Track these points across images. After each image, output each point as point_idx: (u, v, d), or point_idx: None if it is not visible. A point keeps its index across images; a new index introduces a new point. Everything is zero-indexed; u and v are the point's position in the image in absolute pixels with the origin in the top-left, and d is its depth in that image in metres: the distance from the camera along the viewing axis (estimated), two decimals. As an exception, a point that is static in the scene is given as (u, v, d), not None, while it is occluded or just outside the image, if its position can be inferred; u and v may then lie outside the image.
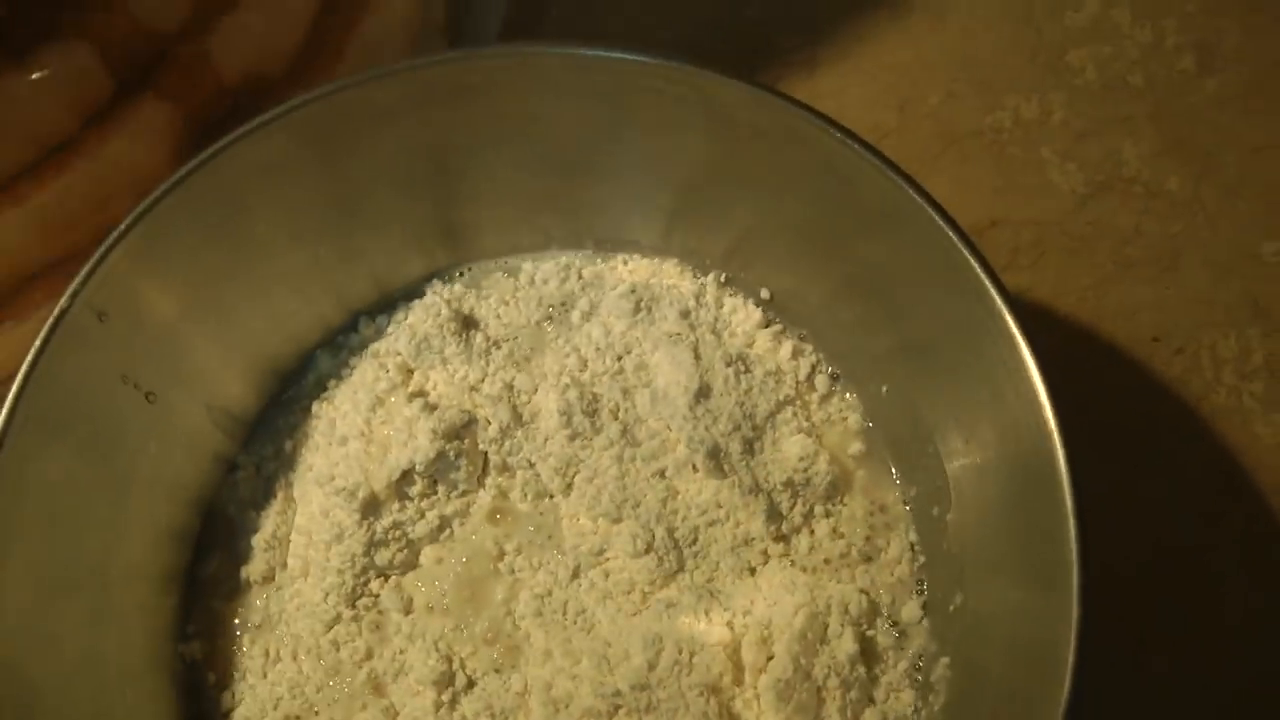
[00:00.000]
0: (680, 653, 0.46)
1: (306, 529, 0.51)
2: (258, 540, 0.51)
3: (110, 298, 0.45)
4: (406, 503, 0.50)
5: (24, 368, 0.43)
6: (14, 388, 0.43)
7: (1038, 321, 0.56)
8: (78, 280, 0.44)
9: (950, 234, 0.43)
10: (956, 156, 0.61)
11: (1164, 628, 0.52)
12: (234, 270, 0.49)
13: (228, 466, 0.53)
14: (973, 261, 0.42)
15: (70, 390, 0.45)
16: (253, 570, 0.51)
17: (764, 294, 0.54)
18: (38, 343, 0.43)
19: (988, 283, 0.42)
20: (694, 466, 0.50)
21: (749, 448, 0.50)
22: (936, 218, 0.43)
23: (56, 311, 0.44)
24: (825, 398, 0.53)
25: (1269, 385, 0.57)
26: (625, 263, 0.55)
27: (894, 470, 0.52)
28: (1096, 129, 0.62)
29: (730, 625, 0.48)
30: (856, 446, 0.52)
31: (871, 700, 0.47)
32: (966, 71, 0.63)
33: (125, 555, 0.48)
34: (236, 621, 0.51)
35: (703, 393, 0.50)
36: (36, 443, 0.44)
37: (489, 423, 0.51)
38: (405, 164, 0.50)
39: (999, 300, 0.42)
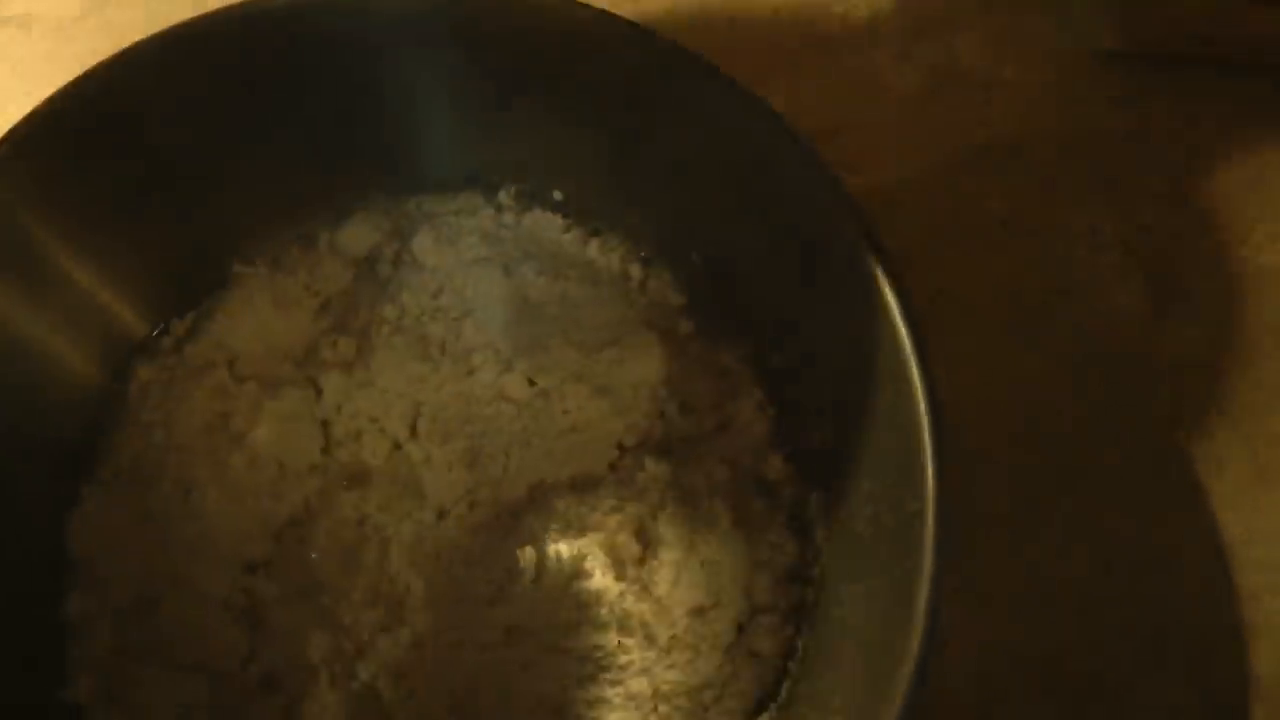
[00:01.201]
0: (559, 560, 0.47)
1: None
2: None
3: None
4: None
5: None
6: None
7: (887, 220, 0.56)
8: None
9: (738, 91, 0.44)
10: (789, 70, 0.60)
11: (1044, 494, 0.53)
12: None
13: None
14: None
15: None
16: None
17: (558, 196, 0.54)
18: None
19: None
20: (530, 381, 0.50)
21: (581, 348, 0.50)
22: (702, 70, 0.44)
23: None
24: (642, 282, 0.53)
25: (1123, 256, 0.57)
26: (419, 206, 0.55)
27: (726, 334, 0.52)
28: (928, 29, 0.62)
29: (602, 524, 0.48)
30: (685, 324, 0.52)
31: (761, 562, 0.48)
32: (789, -14, 0.63)
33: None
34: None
35: (522, 307, 0.51)
36: None
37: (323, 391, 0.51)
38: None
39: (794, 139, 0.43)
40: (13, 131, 0.44)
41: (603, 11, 0.44)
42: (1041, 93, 0.61)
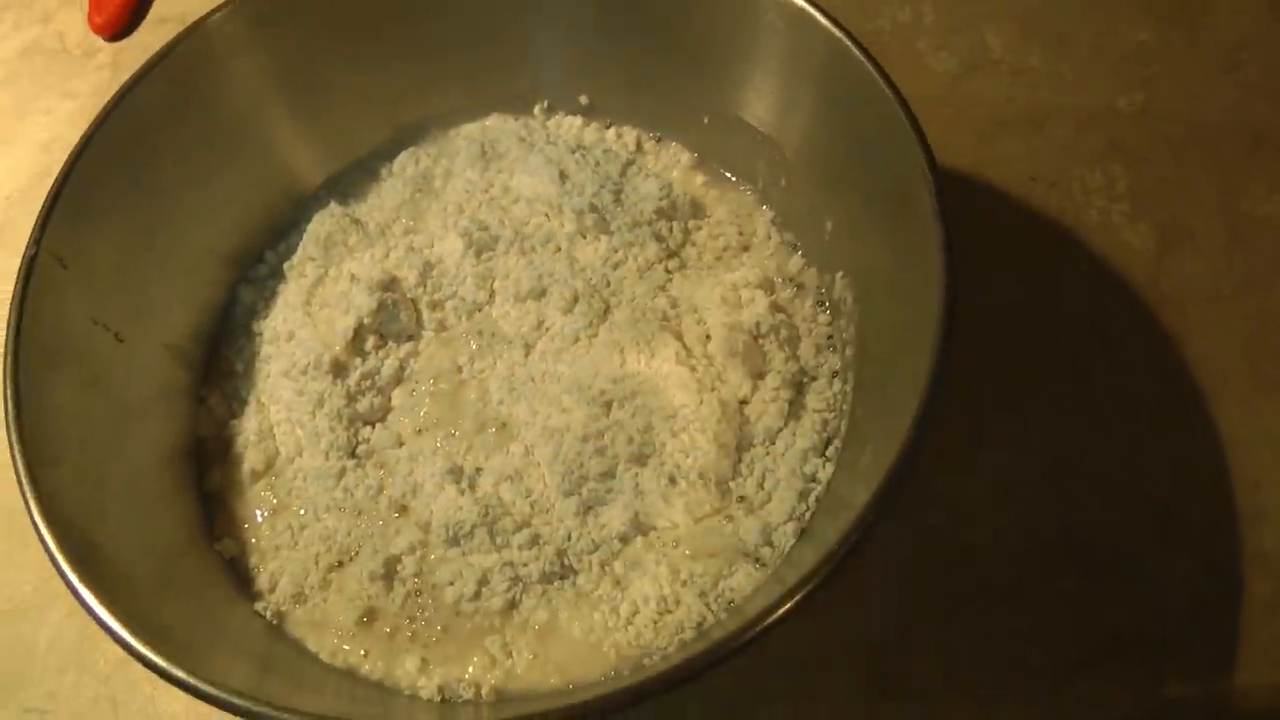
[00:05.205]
0: (639, 345, 0.55)
1: (287, 417, 0.56)
2: (246, 438, 0.56)
3: (65, 245, 0.51)
4: (367, 356, 0.57)
5: (12, 308, 0.49)
6: (8, 327, 0.49)
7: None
8: (36, 229, 0.50)
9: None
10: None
11: (1061, 390, 0.60)
12: (155, 213, 0.56)
13: (197, 399, 0.59)
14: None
15: (53, 330, 0.50)
16: (253, 464, 0.56)
17: (584, 100, 0.65)
18: (19, 285, 0.49)
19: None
20: (582, 235, 0.60)
21: (618, 198, 0.60)
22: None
23: (26, 258, 0.50)
24: (657, 154, 0.64)
25: (1133, 204, 0.66)
26: (457, 133, 0.66)
27: (738, 181, 0.63)
28: (963, 25, 0.73)
29: (666, 319, 0.56)
30: (699, 178, 0.63)
31: (798, 335, 0.57)
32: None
33: (142, 471, 0.53)
34: (257, 513, 0.55)
35: (563, 175, 0.61)
36: (41, 374, 0.49)
37: (407, 276, 0.59)
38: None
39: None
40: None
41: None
42: (1061, 79, 0.70)
